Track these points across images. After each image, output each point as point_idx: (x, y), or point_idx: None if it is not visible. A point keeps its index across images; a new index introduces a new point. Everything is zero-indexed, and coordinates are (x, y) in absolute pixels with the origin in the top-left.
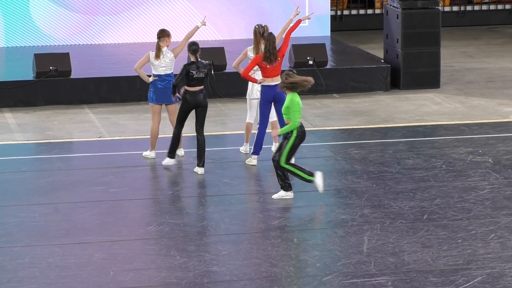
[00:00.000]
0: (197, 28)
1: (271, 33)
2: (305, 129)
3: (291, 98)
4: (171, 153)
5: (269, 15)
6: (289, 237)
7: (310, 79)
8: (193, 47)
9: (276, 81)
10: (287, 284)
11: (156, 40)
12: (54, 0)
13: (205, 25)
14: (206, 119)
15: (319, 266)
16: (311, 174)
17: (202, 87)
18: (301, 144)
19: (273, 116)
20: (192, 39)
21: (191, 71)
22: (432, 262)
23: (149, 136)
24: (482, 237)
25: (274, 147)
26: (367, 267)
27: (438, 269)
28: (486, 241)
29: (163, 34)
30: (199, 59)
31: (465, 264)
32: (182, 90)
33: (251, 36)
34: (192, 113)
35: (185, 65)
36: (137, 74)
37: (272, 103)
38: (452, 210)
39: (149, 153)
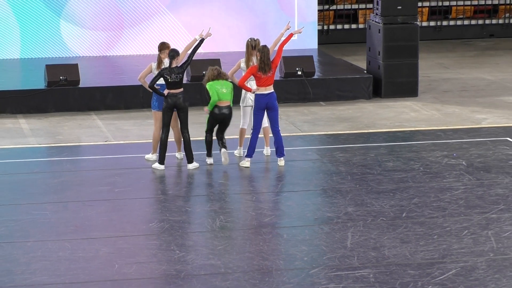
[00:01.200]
0: (195, 40)
1: (265, 45)
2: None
3: (211, 85)
4: (161, 161)
5: (262, 29)
6: (279, 233)
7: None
8: (171, 53)
9: (269, 90)
10: (277, 276)
11: (157, 52)
12: (65, 17)
13: (209, 36)
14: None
15: (306, 260)
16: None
17: (180, 90)
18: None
19: (265, 122)
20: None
21: (165, 75)
22: (410, 256)
23: (151, 140)
24: (456, 233)
25: (266, 150)
26: (350, 260)
27: (416, 263)
28: (460, 237)
29: (163, 46)
30: (176, 65)
31: (440, 258)
32: (166, 92)
33: (244, 49)
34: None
35: (160, 70)
36: (139, 84)
37: (265, 110)
38: (428, 209)
39: (150, 156)
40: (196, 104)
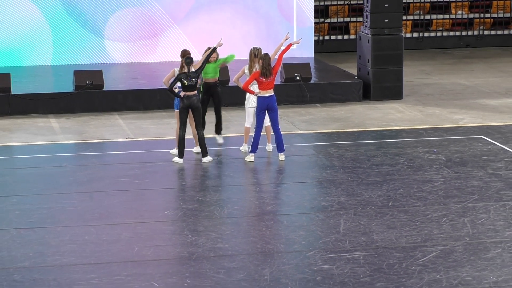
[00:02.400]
0: (208, 48)
1: (267, 53)
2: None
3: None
4: (181, 155)
5: (266, 39)
6: (280, 220)
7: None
8: (187, 60)
9: (270, 93)
10: (278, 258)
11: (169, 60)
12: (90, 30)
13: (220, 46)
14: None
15: (304, 244)
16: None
17: (194, 92)
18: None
19: (266, 121)
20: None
21: (182, 79)
22: (396, 240)
23: (167, 138)
24: (436, 220)
25: (268, 147)
26: (343, 244)
27: (401, 246)
28: (440, 223)
29: (185, 53)
30: (191, 70)
31: (422, 242)
32: (182, 94)
33: (248, 57)
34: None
35: (177, 75)
36: (157, 87)
37: (266, 111)
38: (412, 198)
39: (175, 151)
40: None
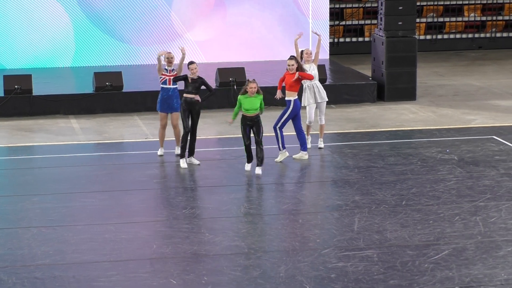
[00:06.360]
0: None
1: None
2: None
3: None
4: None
5: (282, 43)
6: (295, 218)
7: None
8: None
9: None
10: (293, 255)
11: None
12: (110, 34)
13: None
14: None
15: (319, 242)
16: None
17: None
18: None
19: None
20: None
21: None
22: (409, 239)
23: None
24: (448, 219)
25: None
26: (357, 242)
27: (414, 244)
28: (452, 222)
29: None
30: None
31: (435, 240)
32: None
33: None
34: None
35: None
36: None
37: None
38: (425, 197)
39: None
40: (223, 106)
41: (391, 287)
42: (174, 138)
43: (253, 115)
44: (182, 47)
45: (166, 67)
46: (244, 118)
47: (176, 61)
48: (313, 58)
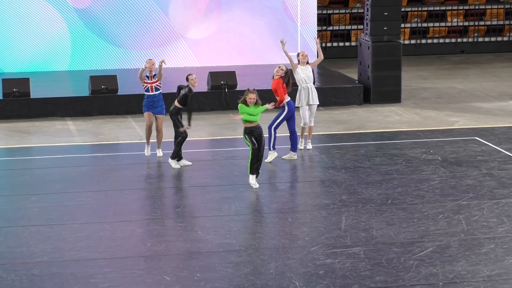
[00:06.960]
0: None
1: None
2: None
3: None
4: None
5: (272, 48)
6: (285, 217)
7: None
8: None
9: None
10: (283, 252)
11: (181, 66)
12: (106, 39)
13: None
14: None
15: (307, 239)
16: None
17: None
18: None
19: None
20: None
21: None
22: (395, 236)
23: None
24: (432, 217)
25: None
26: (344, 240)
27: (399, 242)
28: (436, 220)
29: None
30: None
31: (419, 238)
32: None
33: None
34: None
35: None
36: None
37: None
38: (410, 197)
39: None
40: (215, 108)
41: (377, 283)
42: (157, 140)
43: (255, 125)
44: (161, 60)
45: (148, 74)
46: (250, 131)
47: (156, 65)
48: (311, 61)
